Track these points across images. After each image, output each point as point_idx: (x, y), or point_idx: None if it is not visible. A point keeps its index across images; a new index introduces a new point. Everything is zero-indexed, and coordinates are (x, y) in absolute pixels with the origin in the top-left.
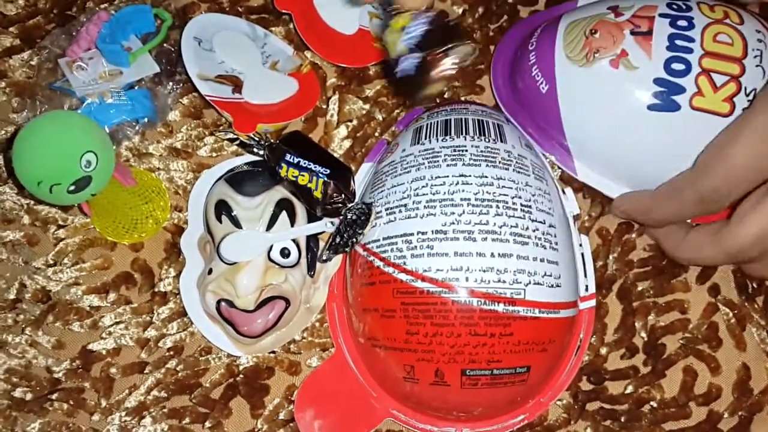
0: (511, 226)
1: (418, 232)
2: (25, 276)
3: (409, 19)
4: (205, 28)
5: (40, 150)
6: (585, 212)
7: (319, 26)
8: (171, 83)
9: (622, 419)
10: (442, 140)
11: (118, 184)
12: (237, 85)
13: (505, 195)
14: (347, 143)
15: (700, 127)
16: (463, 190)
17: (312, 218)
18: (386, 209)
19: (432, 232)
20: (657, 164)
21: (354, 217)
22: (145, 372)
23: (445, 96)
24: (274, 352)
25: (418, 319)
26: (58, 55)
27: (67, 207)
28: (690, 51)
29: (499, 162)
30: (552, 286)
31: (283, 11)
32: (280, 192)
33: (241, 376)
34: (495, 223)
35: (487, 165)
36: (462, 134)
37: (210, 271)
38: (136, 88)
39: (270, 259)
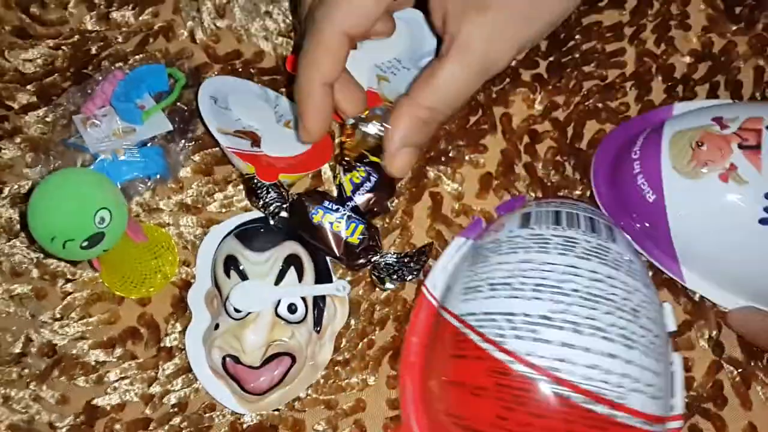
0: (620, 327)
1: (522, 314)
2: (32, 330)
3: (359, 175)
4: (218, 89)
5: (55, 207)
6: None
7: None
8: (183, 141)
9: None
10: (553, 228)
11: (128, 239)
12: (255, 139)
13: (615, 294)
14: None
15: None
16: (573, 281)
17: (319, 273)
18: (488, 284)
19: (538, 316)
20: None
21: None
22: (149, 429)
23: (450, 155)
24: (278, 409)
25: (512, 404)
26: (72, 112)
27: (76, 261)
28: None
29: (611, 261)
30: (653, 397)
31: (294, 73)
32: (288, 248)
33: None
34: (604, 321)
35: (598, 261)
36: (573, 227)
37: (217, 326)
38: (148, 145)
39: (277, 315)
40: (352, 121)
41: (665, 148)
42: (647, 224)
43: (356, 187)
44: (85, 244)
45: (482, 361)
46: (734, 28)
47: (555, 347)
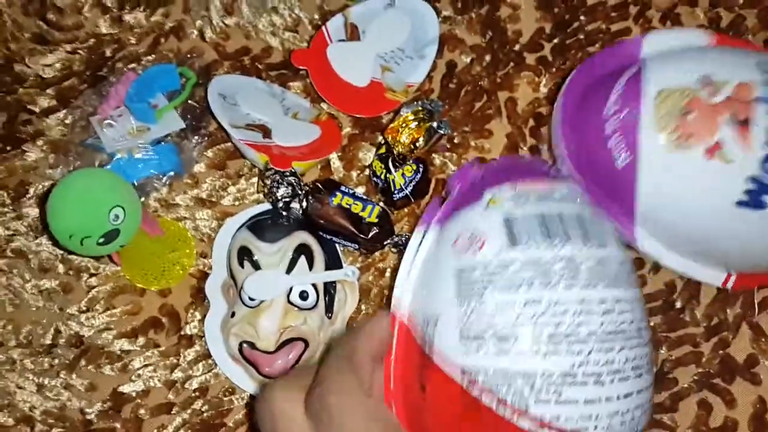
0: (632, 359)
1: (543, 374)
2: (60, 322)
3: (411, 170)
4: (226, 87)
5: (72, 206)
6: None
7: (334, 79)
8: (196, 137)
9: None
10: (545, 247)
11: (145, 234)
12: (266, 131)
13: (624, 322)
14: (361, 191)
15: None
16: (588, 322)
17: (329, 261)
18: (492, 334)
19: (559, 375)
20: (731, 251)
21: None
22: (172, 412)
23: (456, 141)
24: None
25: None
26: (90, 114)
27: (98, 257)
28: None
29: (613, 278)
30: (650, 408)
31: (300, 67)
32: (298, 238)
33: None
34: (619, 360)
35: (604, 286)
36: (567, 239)
37: (233, 315)
38: (162, 143)
39: (289, 302)
40: (405, 111)
41: (648, 110)
42: (609, 184)
43: (409, 181)
44: (101, 240)
45: (504, 430)
46: (742, 1)
47: (580, 407)
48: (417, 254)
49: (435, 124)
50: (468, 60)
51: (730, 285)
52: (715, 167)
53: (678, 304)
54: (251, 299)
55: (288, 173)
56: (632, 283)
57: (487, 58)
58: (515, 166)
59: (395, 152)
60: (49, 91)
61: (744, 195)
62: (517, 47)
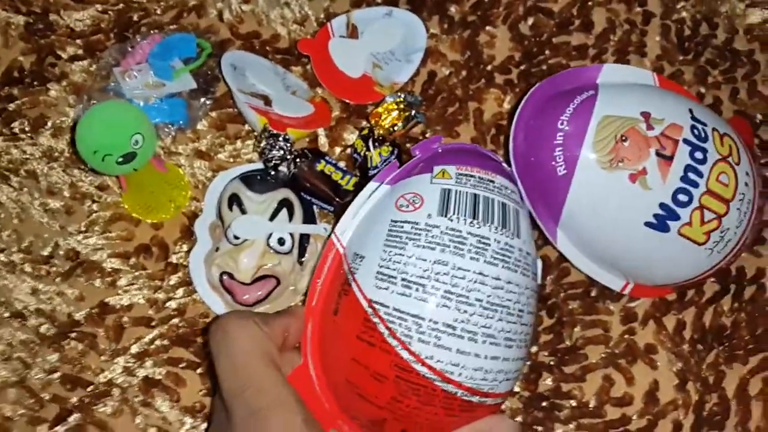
0: (506, 332)
1: (430, 320)
2: (60, 238)
3: (387, 151)
4: (237, 59)
5: (99, 126)
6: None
7: (331, 68)
8: (204, 99)
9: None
10: (470, 224)
11: (152, 167)
12: (267, 101)
13: (509, 300)
14: (342, 164)
15: (677, 248)
16: (479, 290)
17: (306, 217)
18: (402, 279)
19: (443, 324)
20: (633, 264)
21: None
22: (151, 325)
23: (428, 136)
24: None
25: (407, 393)
26: (113, 65)
27: (103, 187)
28: (696, 185)
29: (513, 263)
30: (515, 378)
31: (304, 54)
32: (283, 193)
33: None
34: (496, 328)
35: (503, 266)
36: (488, 222)
37: (217, 249)
38: (174, 98)
39: (268, 245)
40: (390, 99)
41: (591, 130)
42: (545, 189)
43: (384, 160)
44: (120, 159)
45: (388, 354)
46: (681, 58)
47: (452, 354)
48: (366, 202)
49: (413, 113)
50: (447, 72)
51: (627, 292)
52: (635, 191)
53: (593, 293)
54: (236, 237)
55: (281, 138)
56: (529, 274)
57: (463, 72)
58: (470, 151)
59: (376, 133)
60: (78, 41)
61: (653, 218)
62: (489, 67)
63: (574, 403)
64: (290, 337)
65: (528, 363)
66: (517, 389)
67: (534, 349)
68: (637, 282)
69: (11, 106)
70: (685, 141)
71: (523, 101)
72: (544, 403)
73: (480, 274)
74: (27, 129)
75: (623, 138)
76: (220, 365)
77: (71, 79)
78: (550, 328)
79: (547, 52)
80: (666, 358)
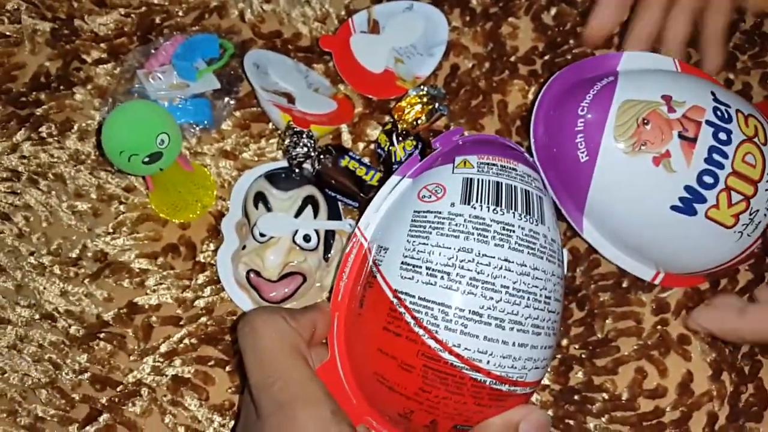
0: (534, 318)
1: (456, 307)
2: (88, 240)
3: (411, 146)
4: (259, 58)
5: (127, 126)
6: (560, 231)
7: (353, 63)
8: (227, 99)
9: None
10: (493, 211)
11: (179, 167)
12: (290, 98)
13: (536, 287)
14: (366, 159)
15: (705, 232)
16: (504, 277)
17: (331, 214)
18: (427, 268)
19: (469, 311)
20: (662, 250)
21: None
22: (179, 324)
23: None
24: None
25: (435, 383)
26: (137, 68)
27: (130, 188)
28: (722, 167)
29: (538, 249)
30: (544, 367)
31: (326, 50)
32: (307, 190)
33: None
34: (523, 315)
35: (528, 252)
36: (511, 209)
37: (244, 247)
38: (199, 98)
39: (294, 242)
40: (413, 93)
41: (612, 115)
42: (567, 177)
43: (408, 155)
44: (146, 159)
45: (414, 344)
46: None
47: (479, 341)
48: (388, 196)
49: (436, 106)
50: (470, 65)
51: (658, 282)
52: (659, 174)
53: (624, 284)
54: (262, 235)
55: (305, 135)
56: (555, 261)
57: (486, 65)
58: (491, 141)
59: (399, 128)
60: (102, 45)
61: (678, 201)
62: (513, 59)
63: (606, 396)
64: (318, 332)
65: (558, 356)
66: (547, 382)
67: (564, 342)
68: (667, 271)
69: (38, 111)
70: (708, 122)
71: (540, 94)
72: (576, 397)
73: (505, 260)
74: (54, 133)
75: (645, 121)
76: (248, 360)
77: (96, 83)
78: (580, 321)
79: (571, 41)
80: (699, 349)
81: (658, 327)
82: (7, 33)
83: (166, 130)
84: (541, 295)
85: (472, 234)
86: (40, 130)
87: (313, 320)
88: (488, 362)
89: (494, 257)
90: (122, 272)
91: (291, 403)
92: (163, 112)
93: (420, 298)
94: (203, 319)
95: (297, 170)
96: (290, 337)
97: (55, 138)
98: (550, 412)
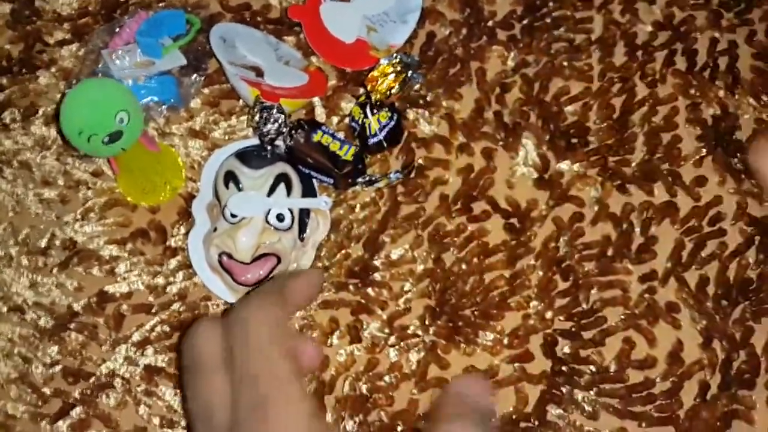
0: None
1: None
2: (57, 228)
3: (386, 117)
4: (227, 32)
5: (83, 105)
6: (543, 202)
7: (324, 34)
8: (195, 76)
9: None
10: None
11: (143, 148)
12: (259, 72)
13: None
14: (340, 134)
15: None
16: None
17: (306, 192)
18: None
19: None
20: None
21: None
22: (152, 312)
23: (428, 99)
24: None
25: None
26: (101, 48)
27: (98, 173)
28: None
29: None
30: None
31: (295, 21)
32: (280, 168)
33: None
34: None
35: None
36: None
37: (215, 229)
38: (165, 75)
39: (267, 222)
40: (385, 61)
41: None
42: None
43: (383, 126)
44: (106, 139)
45: None
46: (693, 2)
47: None
48: None
49: (409, 74)
50: (446, 32)
51: None
52: None
53: (609, 253)
54: (233, 216)
55: (275, 109)
56: None
57: (464, 31)
58: None
59: (373, 99)
60: (65, 25)
61: None
62: (490, 23)
63: (593, 368)
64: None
65: (544, 330)
66: (535, 356)
67: (549, 314)
68: None
69: (1, 97)
70: None
71: None
72: (563, 368)
73: None
74: (18, 119)
75: None
76: (235, 352)
77: (60, 65)
78: (565, 292)
79: (550, 4)
80: (689, 317)
81: (646, 295)
82: None
83: (126, 107)
84: None
85: None
86: (3, 116)
87: (301, 292)
88: None
89: None
90: (92, 260)
91: (270, 401)
92: (121, 89)
93: None
94: (176, 306)
95: (269, 147)
96: (280, 329)
97: (20, 124)
98: (538, 387)
